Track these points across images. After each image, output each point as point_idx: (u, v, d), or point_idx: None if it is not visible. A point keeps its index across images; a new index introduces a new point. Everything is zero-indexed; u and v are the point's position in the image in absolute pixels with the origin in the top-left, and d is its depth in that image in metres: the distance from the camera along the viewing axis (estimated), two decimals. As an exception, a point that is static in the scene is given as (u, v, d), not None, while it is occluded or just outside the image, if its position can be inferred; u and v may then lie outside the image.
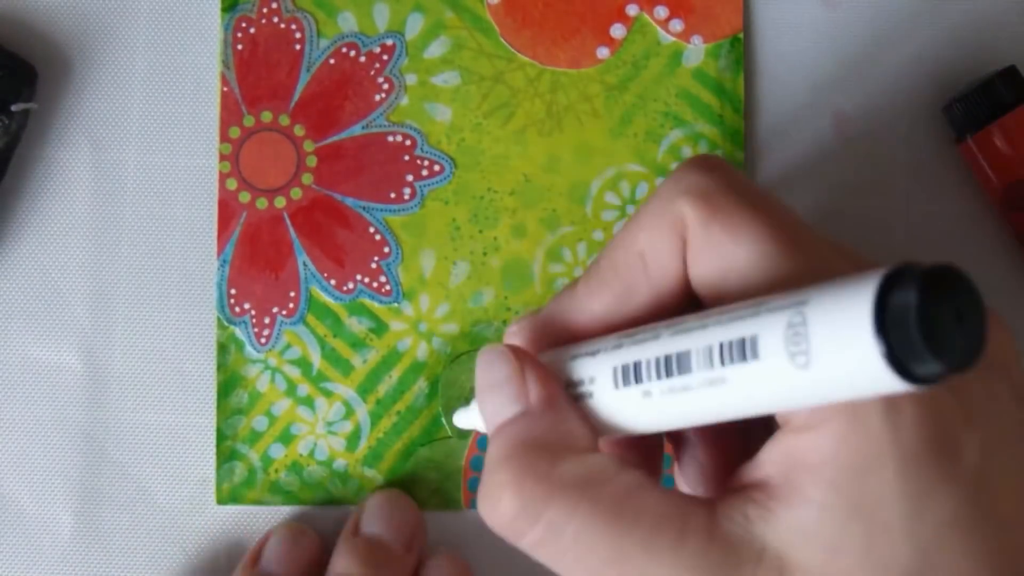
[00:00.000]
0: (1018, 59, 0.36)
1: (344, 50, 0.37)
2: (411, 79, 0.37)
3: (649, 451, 0.28)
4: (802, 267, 0.22)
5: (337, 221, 0.37)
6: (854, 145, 0.37)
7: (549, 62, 0.37)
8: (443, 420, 0.37)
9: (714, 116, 0.37)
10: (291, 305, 0.36)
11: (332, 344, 0.36)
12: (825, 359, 0.19)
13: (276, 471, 0.36)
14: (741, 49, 0.37)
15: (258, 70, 0.37)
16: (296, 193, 0.37)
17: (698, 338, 0.21)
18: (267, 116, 0.37)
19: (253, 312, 0.36)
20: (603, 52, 0.37)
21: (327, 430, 0.36)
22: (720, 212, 0.23)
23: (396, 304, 0.37)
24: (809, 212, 0.37)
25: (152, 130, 0.37)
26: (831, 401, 0.20)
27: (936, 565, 0.21)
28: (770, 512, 0.22)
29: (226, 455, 0.36)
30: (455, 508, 0.36)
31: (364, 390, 0.36)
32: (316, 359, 0.36)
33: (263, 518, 0.37)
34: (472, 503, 0.37)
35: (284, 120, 0.37)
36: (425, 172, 0.37)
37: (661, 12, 0.37)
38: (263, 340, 0.36)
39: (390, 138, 0.37)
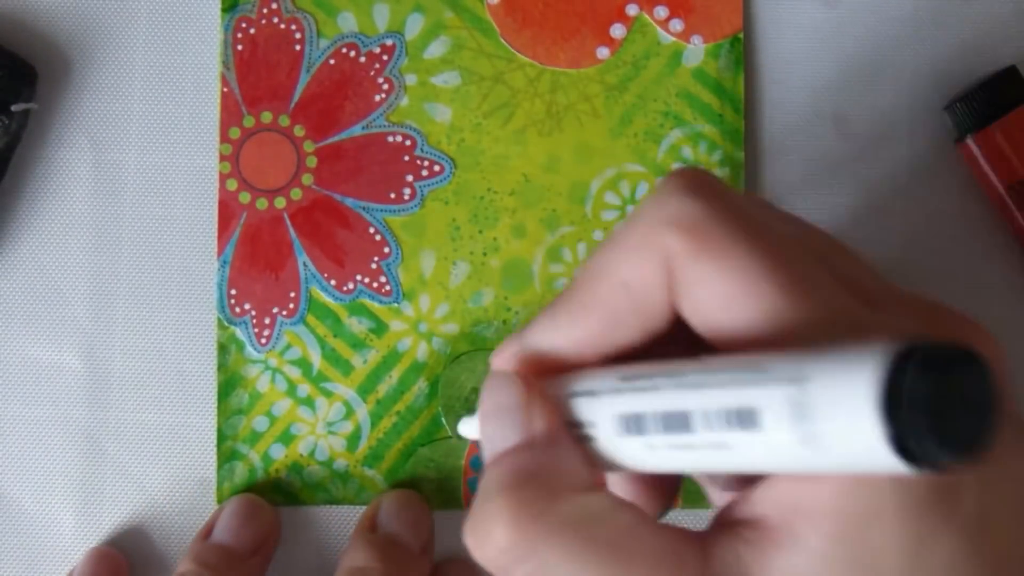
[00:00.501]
0: (1018, 59, 0.36)
1: (344, 50, 0.37)
2: (411, 79, 0.37)
3: (668, 484, 0.27)
4: (805, 311, 0.21)
5: (337, 221, 0.37)
6: (854, 145, 0.37)
7: (549, 62, 0.37)
8: (443, 420, 0.37)
9: (714, 116, 0.37)
10: (291, 305, 0.36)
11: (332, 344, 0.37)
12: (828, 439, 0.18)
13: (276, 471, 0.36)
14: (741, 49, 0.37)
15: (258, 70, 0.37)
16: (296, 193, 0.37)
17: (698, 398, 0.21)
18: (267, 116, 0.37)
19: (253, 312, 0.36)
20: (603, 52, 0.37)
21: (327, 430, 0.36)
22: (710, 245, 0.21)
23: (396, 304, 0.37)
24: (809, 212, 0.37)
25: (152, 130, 0.37)
26: (836, 473, 0.20)
27: None
28: (764, 555, 0.21)
29: (226, 455, 0.36)
30: (455, 508, 0.37)
31: (364, 390, 0.36)
32: (316, 359, 0.36)
33: (263, 518, 0.37)
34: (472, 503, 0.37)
35: (284, 120, 0.37)
36: (425, 172, 0.37)
37: (661, 12, 0.37)
38: (263, 340, 0.36)
39: (390, 138, 0.37)
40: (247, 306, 0.36)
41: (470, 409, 0.35)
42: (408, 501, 0.35)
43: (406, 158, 0.37)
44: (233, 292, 0.36)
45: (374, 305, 0.37)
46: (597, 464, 0.24)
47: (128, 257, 0.37)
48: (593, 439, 0.23)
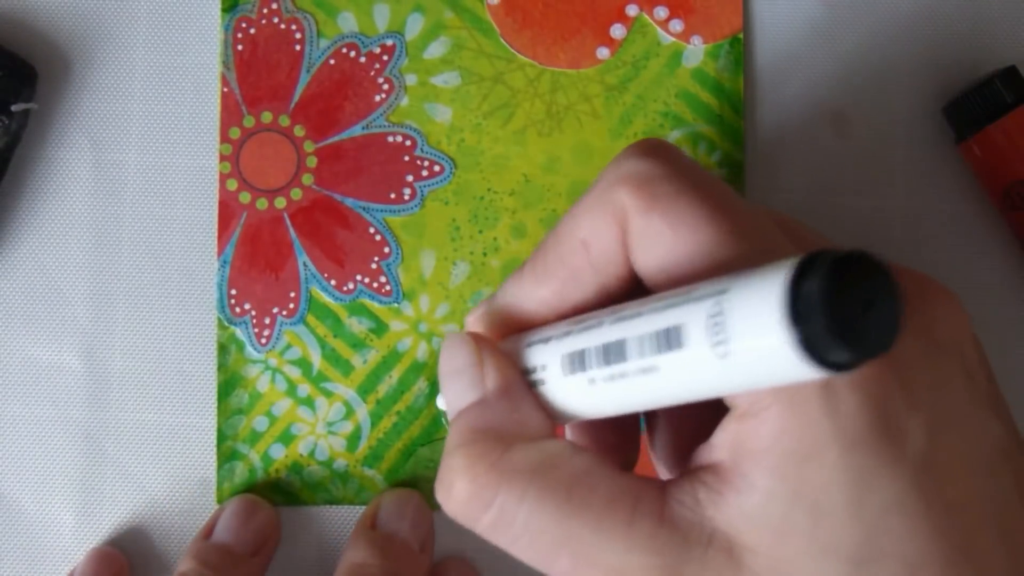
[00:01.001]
0: (1018, 59, 0.36)
1: (344, 50, 0.37)
2: (411, 79, 0.37)
3: (626, 435, 0.28)
4: (742, 252, 0.22)
5: (337, 221, 0.37)
6: (854, 145, 0.37)
7: (549, 62, 0.37)
8: (443, 420, 0.37)
9: (714, 116, 0.37)
10: (291, 305, 0.36)
11: (332, 344, 0.37)
12: (742, 348, 0.19)
13: (276, 471, 0.36)
14: (741, 49, 0.37)
15: (258, 70, 0.37)
16: (296, 193, 0.37)
17: (634, 326, 0.21)
18: (267, 116, 0.37)
19: (253, 312, 0.36)
20: (603, 52, 0.37)
21: (327, 430, 0.36)
22: (659, 200, 0.22)
23: (396, 304, 0.37)
24: (808, 212, 0.37)
25: (152, 130, 0.37)
26: (755, 388, 0.20)
27: (881, 548, 0.21)
28: (720, 496, 0.22)
29: (226, 455, 0.36)
30: (455, 508, 0.37)
31: (364, 390, 0.37)
32: (316, 359, 0.36)
33: (263, 518, 0.37)
34: (472, 503, 0.37)
35: (284, 120, 0.37)
36: (425, 172, 0.37)
37: (661, 12, 0.37)
38: (263, 340, 0.36)
39: (390, 138, 0.37)
40: (247, 306, 0.36)
41: None
42: (408, 500, 0.36)
43: (406, 158, 0.37)
44: (233, 292, 0.36)
45: (374, 305, 0.37)
46: (551, 413, 0.24)
47: (128, 257, 0.37)
48: (543, 382, 0.24)
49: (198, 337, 0.37)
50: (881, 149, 0.38)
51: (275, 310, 0.36)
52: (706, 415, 0.24)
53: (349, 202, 0.37)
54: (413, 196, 0.37)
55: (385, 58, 0.37)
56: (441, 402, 0.29)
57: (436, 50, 0.37)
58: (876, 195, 0.37)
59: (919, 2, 0.38)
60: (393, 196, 0.37)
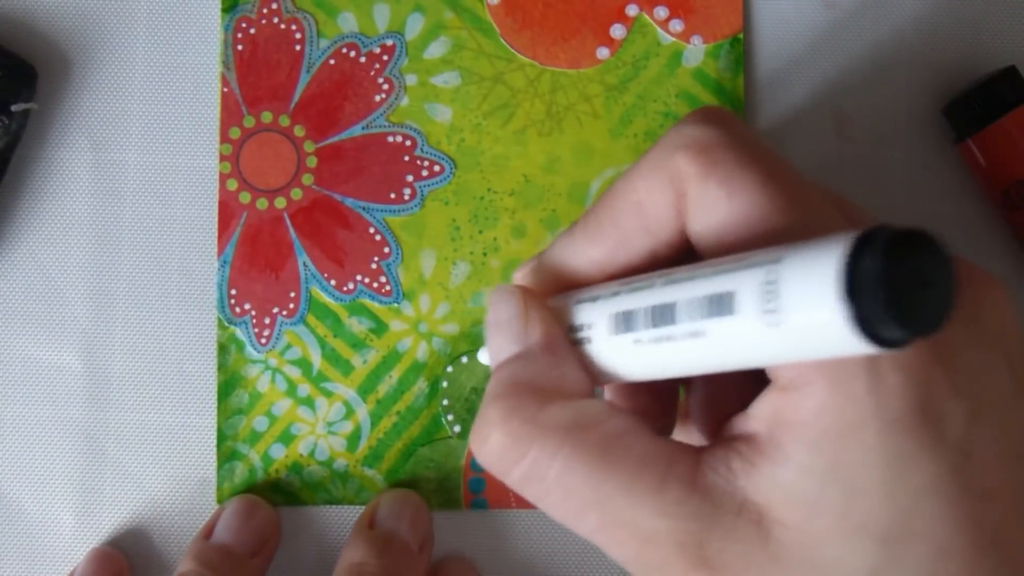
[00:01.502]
0: (1018, 59, 0.36)
1: (344, 50, 0.37)
2: (411, 79, 0.37)
3: (664, 401, 0.28)
4: (796, 222, 0.22)
5: (337, 221, 0.37)
6: (854, 145, 0.37)
7: (549, 62, 0.37)
8: (443, 420, 0.37)
9: (714, 116, 0.37)
10: (291, 305, 0.36)
11: (332, 344, 0.37)
12: (795, 319, 0.19)
13: (276, 471, 0.36)
14: (741, 49, 0.37)
15: (258, 70, 0.37)
16: (296, 193, 0.37)
17: (684, 290, 0.21)
18: (267, 116, 0.37)
19: (253, 312, 0.36)
20: (603, 52, 0.37)
21: (327, 430, 0.36)
22: (717, 167, 0.23)
23: (396, 304, 0.37)
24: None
25: (152, 130, 0.37)
26: (803, 360, 0.20)
27: (913, 530, 0.21)
28: (753, 467, 0.22)
29: (226, 455, 0.36)
30: (455, 508, 0.37)
31: (364, 390, 0.37)
32: (316, 359, 0.36)
33: (263, 518, 0.37)
34: (472, 503, 0.37)
35: (284, 120, 0.37)
36: (425, 172, 0.37)
37: (661, 12, 0.37)
38: (263, 340, 0.36)
39: (390, 138, 0.37)
40: (247, 306, 0.36)
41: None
42: (407, 499, 0.36)
43: (406, 158, 0.37)
44: (233, 292, 0.36)
45: (374, 305, 0.37)
46: (593, 372, 0.24)
47: (128, 257, 0.37)
48: (589, 341, 0.24)
49: (198, 337, 0.37)
50: (881, 149, 0.38)
51: (275, 310, 0.36)
52: (745, 385, 0.24)
53: (349, 202, 0.37)
54: (413, 196, 0.37)
55: (385, 58, 0.37)
56: (483, 355, 0.29)
57: (436, 50, 0.37)
58: (876, 195, 0.37)
59: (919, 2, 0.38)
60: (393, 196, 0.37)
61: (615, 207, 0.25)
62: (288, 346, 0.36)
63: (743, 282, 0.20)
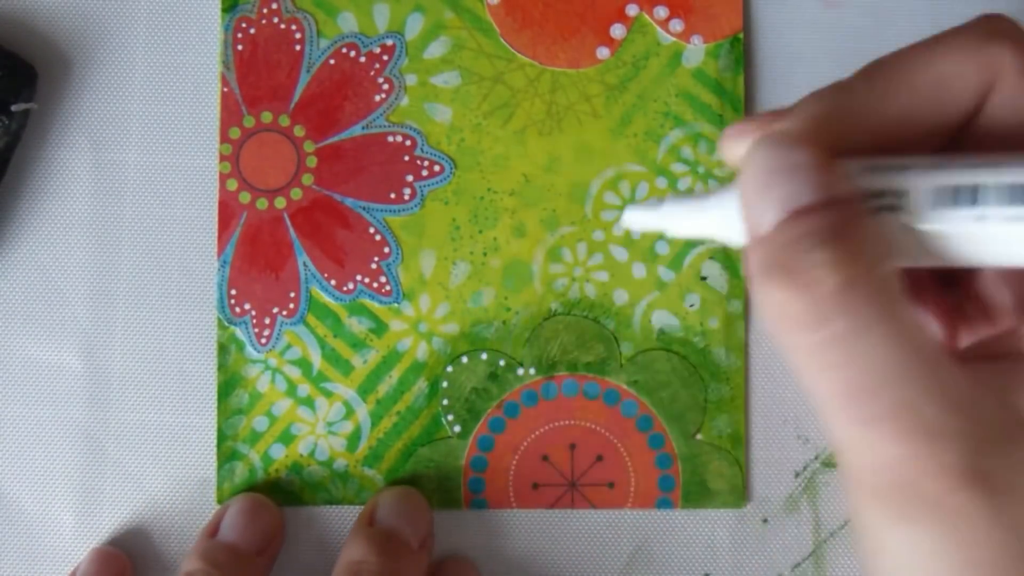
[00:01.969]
0: (1018, 59, 0.36)
1: (344, 50, 0.37)
2: (411, 79, 0.37)
3: (948, 305, 0.26)
4: None
5: (337, 221, 0.37)
6: (854, 145, 0.37)
7: (549, 62, 0.37)
8: (443, 420, 0.37)
9: (714, 116, 0.37)
10: (291, 305, 0.37)
11: (332, 344, 0.37)
12: None
13: (276, 471, 0.36)
14: (741, 49, 0.37)
15: (258, 70, 0.37)
16: (296, 193, 0.37)
17: None
18: (267, 116, 0.37)
19: (253, 312, 0.36)
20: (603, 52, 0.37)
21: (327, 430, 0.36)
22: None
23: (396, 304, 0.37)
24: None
25: (152, 130, 0.37)
26: None
27: None
28: None
29: (227, 455, 0.36)
30: (455, 507, 0.37)
31: (364, 390, 0.37)
32: (316, 359, 0.36)
33: (263, 518, 0.37)
34: (472, 503, 0.37)
35: (284, 120, 0.37)
36: (425, 172, 0.37)
37: (661, 12, 0.37)
38: (263, 340, 0.36)
39: (390, 138, 0.37)
40: (247, 306, 0.36)
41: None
42: (407, 496, 0.35)
43: (406, 158, 0.37)
44: (233, 292, 0.36)
45: (374, 305, 0.37)
46: (893, 247, 0.22)
47: (128, 257, 0.37)
48: (899, 209, 0.22)
49: (198, 337, 0.37)
50: (881, 149, 0.37)
51: (275, 310, 0.37)
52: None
53: (349, 202, 0.37)
54: (413, 196, 0.37)
55: (385, 58, 0.37)
56: (635, 218, 0.25)
57: (436, 50, 0.37)
58: (876, 195, 0.37)
59: (919, 2, 0.38)
60: (393, 196, 0.37)
61: (914, 77, 0.24)
62: (288, 346, 0.36)
63: None
